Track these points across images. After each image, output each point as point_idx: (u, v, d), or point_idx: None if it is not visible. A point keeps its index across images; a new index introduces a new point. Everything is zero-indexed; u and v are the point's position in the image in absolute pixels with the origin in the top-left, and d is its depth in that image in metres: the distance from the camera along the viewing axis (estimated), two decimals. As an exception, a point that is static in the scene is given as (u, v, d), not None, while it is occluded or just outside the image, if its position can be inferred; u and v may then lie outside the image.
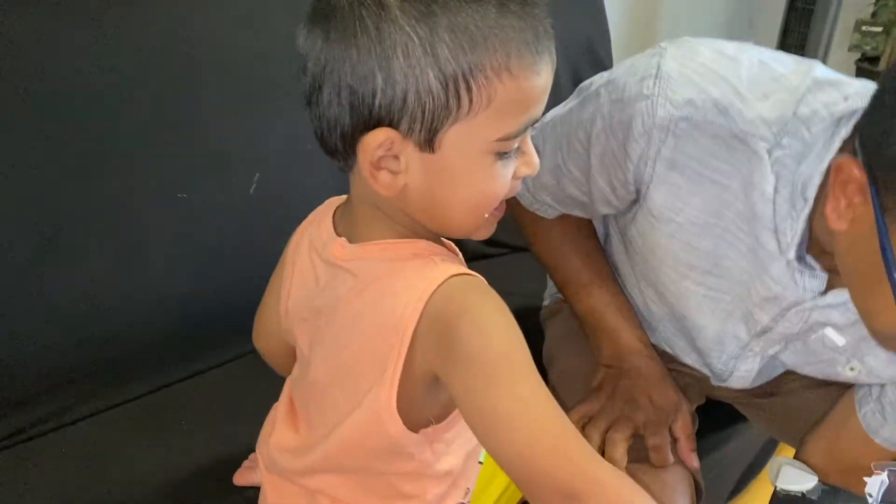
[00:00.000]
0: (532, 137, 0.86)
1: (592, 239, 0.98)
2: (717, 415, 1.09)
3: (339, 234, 0.66)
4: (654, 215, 0.80)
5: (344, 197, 0.69)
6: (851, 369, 0.84)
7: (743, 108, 0.73)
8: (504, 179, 0.60)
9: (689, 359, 0.95)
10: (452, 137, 0.56)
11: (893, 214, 0.61)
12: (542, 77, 0.57)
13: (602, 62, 1.64)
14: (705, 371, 0.95)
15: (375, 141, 0.55)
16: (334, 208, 0.69)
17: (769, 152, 0.72)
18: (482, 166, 0.58)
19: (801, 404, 0.96)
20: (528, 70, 0.55)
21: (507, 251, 1.45)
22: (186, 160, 1.09)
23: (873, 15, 2.36)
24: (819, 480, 0.87)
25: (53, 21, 0.99)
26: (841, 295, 0.76)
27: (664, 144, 0.75)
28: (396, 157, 0.57)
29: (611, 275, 0.96)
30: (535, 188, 0.91)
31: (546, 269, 1.01)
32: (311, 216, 0.73)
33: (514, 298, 1.15)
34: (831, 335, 0.81)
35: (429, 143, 0.56)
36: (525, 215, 0.97)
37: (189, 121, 1.09)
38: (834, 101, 0.71)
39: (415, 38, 0.53)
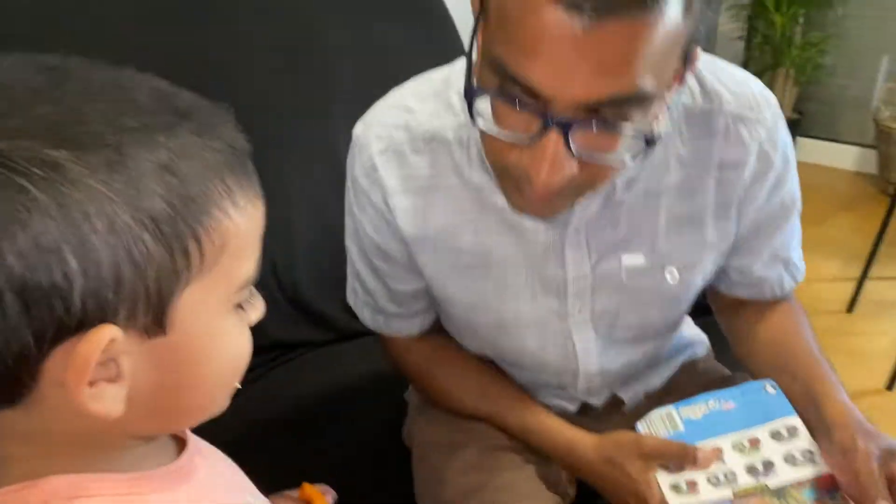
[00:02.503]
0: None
1: (473, 364, 0.96)
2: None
3: None
4: (411, 241, 0.84)
5: None
6: (672, 274, 0.85)
7: (416, 117, 0.81)
8: (248, 335, 0.48)
9: (544, 377, 0.94)
10: (187, 305, 0.42)
11: (483, 8, 0.65)
12: (262, 200, 0.46)
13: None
14: (566, 393, 0.93)
15: (96, 347, 0.39)
16: None
17: (457, 132, 0.80)
18: (227, 326, 0.46)
19: None
20: (252, 194, 0.45)
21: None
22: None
23: None
24: None
25: None
26: (588, 205, 0.80)
27: (382, 178, 0.82)
28: (114, 360, 0.41)
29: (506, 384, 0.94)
30: (380, 304, 0.92)
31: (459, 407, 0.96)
32: None
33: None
34: (627, 260, 0.83)
35: (158, 323, 0.42)
36: (408, 366, 0.97)
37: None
38: None
39: (111, 194, 0.38)
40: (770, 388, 0.83)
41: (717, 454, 0.78)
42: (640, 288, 0.84)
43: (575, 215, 0.80)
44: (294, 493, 0.71)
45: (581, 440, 0.85)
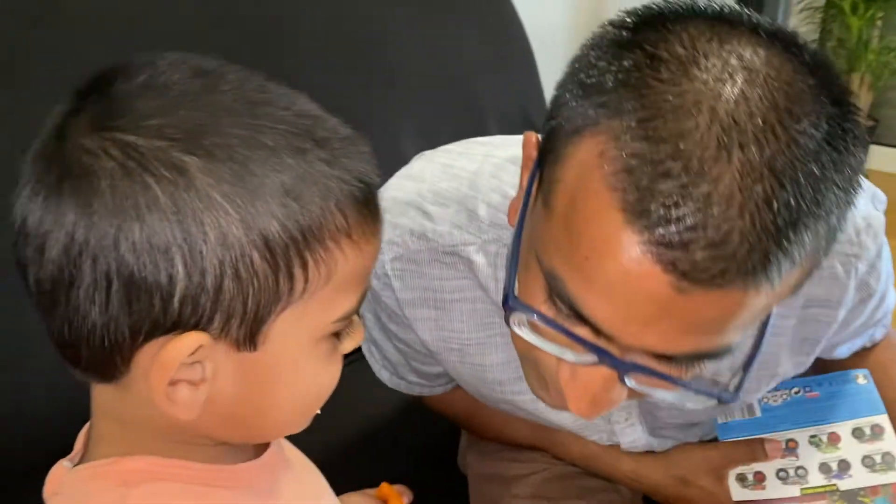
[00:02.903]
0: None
1: None
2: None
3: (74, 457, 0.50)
4: (435, 352, 0.76)
5: None
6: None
7: (435, 226, 0.71)
8: (339, 364, 0.48)
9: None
10: (282, 327, 0.42)
11: (543, 189, 0.52)
12: (379, 238, 0.46)
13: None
14: None
15: (183, 351, 0.40)
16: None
17: (481, 250, 0.70)
18: (317, 355, 0.45)
19: None
20: (370, 231, 0.45)
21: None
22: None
23: None
24: None
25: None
26: None
27: (395, 290, 0.72)
28: (200, 363, 0.42)
29: None
30: (400, 372, 0.86)
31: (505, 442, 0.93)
32: None
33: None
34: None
35: (250, 339, 0.42)
36: (452, 417, 0.92)
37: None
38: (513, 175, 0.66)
39: (229, 208, 0.39)
40: (862, 378, 0.78)
41: (792, 447, 0.76)
42: (697, 409, 0.77)
43: None
44: (371, 491, 0.70)
45: (648, 463, 0.83)
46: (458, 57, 1.32)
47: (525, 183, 0.56)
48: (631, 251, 0.45)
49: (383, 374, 0.88)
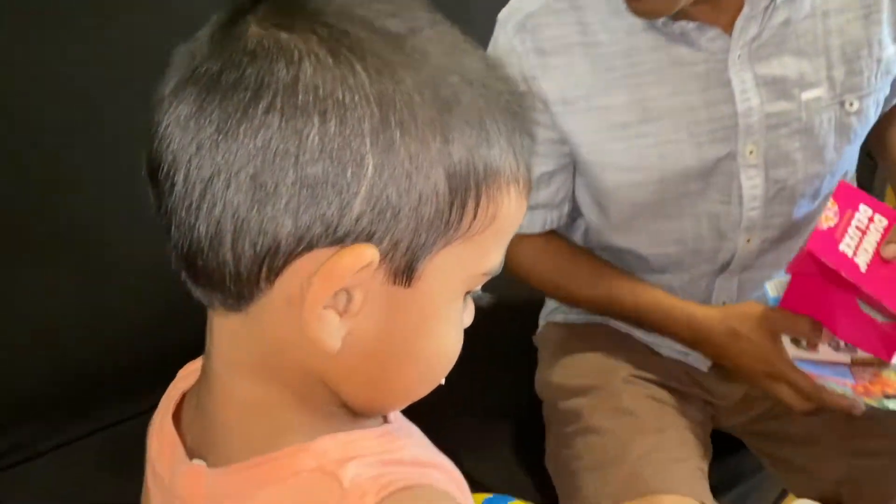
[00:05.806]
0: None
1: (585, 254, 0.94)
2: (729, 452, 1.01)
3: (189, 449, 0.44)
4: (564, 102, 0.82)
5: (196, 365, 0.46)
6: (851, 104, 0.80)
7: None
8: (462, 335, 0.44)
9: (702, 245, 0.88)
10: (437, 265, 0.39)
11: None
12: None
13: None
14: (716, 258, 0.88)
15: (357, 262, 0.36)
16: (177, 397, 0.47)
17: None
18: (455, 311, 0.42)
19: (816, 454, 0.90)
20: (526, 188, 0.42)
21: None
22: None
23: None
24: None
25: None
26: (746, 27, 0.76)
27: (523, 43, 0.81)
28: (347, 291, 0.37)
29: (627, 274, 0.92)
30: None
31: (568, 299, 0.96)
32: (156, 413, 0.49)
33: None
34: (806, 95, 0.78)
35: (408, 271, 0.38)
36: (524, 262, 0.93)
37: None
38: None
39: (431, 116, 0.36)
40: None
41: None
42: (820, 124, 0.80)
43: (734, 39, 0.76)
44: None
45: (701, 312, 0.84)
46: None
47: None
48: None
49: None
